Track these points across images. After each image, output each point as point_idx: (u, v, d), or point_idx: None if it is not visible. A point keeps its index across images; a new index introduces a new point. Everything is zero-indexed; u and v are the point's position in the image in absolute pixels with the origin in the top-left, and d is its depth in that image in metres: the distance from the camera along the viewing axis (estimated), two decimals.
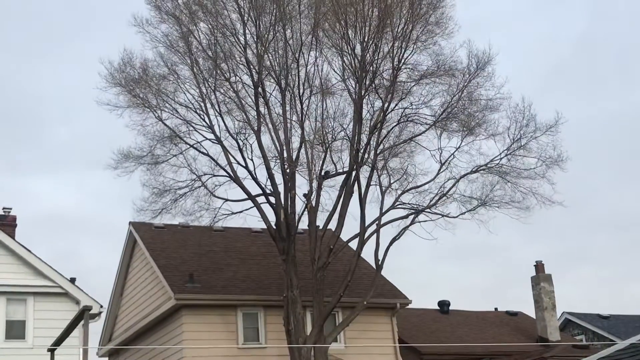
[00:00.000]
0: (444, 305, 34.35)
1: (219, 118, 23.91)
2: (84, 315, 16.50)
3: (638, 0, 59.10)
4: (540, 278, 32.04)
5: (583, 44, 60.95)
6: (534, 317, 32.59)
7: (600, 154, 61.35)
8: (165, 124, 24.16)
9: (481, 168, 24.69)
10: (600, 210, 60.73)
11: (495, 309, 35.91)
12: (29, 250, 22.43)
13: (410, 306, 28.00)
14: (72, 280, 22.69)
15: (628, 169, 62.86)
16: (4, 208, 24.30)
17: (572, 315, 40.07)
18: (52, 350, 17.38)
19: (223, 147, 23.74)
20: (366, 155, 23.89)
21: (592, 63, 62.82)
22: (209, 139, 24.00)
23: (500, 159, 24.61)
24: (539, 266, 32.41)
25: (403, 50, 23.92)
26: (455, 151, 24.70)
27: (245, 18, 23.74)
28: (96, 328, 29.46)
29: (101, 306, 23.02)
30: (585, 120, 59.09)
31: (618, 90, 60.95)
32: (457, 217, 24.56)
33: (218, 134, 23.77)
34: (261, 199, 23.63)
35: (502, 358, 28.00)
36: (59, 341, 17.37)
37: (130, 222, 28.43)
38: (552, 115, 24.81)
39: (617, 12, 61.67)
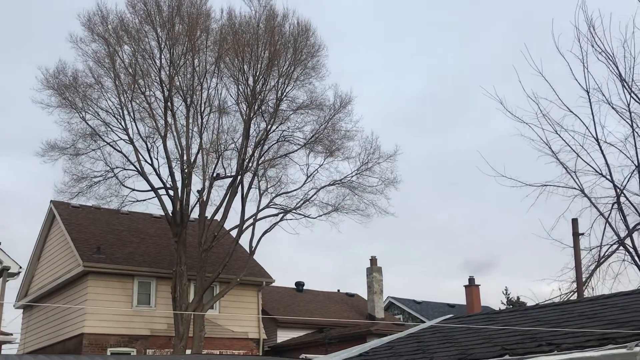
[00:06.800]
0: (299, 285, 34.52)
1: (133, 123, 23.50)
2: (2, 273, 15.56)
3: (462, 70, 61.72)
4: (373, 269, 32.62)
5: (421, 97, 63.06)
6: (366, 299, 33.25)
7: (426, 180, 63.57)
8: (87, 124, 23.62)
9: (337, 182, 25.00)
10: (422, 223, 62.84)
11: (338, 290, 36.37)
12: None
13: (273, 284, 27.99)
14: None
15: (444, 193, 65.46)
16: None
17: (394, 299, 41.08)
18: None
19: (134, 147, 23.25)
20: (250, 164, 23.78)
21: (426, 112, 65.07)
22: (123, 139, 23.57)
23: (352, 176, 25.02)
24: (373, 260, 33.01)
25: (285, 85, 24.01)
26: (318, 167, 24.95)
27: (162, 46, 23.30)
28: (15, 285, 28.03)
29: (20, 267, 21.63)
30: (418, 155, 61.06)
31: (444, 133, 63.36)
32: (315, 218, 24.85)
33: (131, 135, 23.33)
34: (162, 192, 23.32)
35: (339, 329, 28.38)
36: None
37: (51, 201, 27.19)
38: (392, 147, 25.47)
39: (446, 77, 64.20)
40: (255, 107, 23.73)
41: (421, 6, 63.61)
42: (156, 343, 23.71)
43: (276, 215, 24.40)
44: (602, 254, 16.87)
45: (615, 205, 16.51)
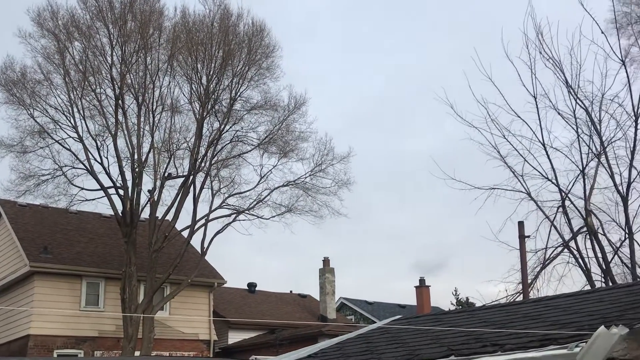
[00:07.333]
0: (251, 286, 34.30)
1: (83, 121, 23.10)
2: None
3: (419, 73, 62.43)
4: (326, 270, 32.60)
5: (379, 100, 63.44)
6: (319, 300, 33.26)
7: (380, 181, 63.78)
8: (36, 121, 23.17)
9: (290, 183, 25.02)
10: (375, 224, 63.08)
11: (291, 291, 36.23)
12: None
13: (225, 285, 27.78)
14: None
15: (398, 195, 65.92)
16: None
17: (346, 300, 41.12)
18: None
19: (84, 145, 22.89)
20: (203, 164, 23.59)
21: (383, 114, 65.51)
22: (72, 137, 23.13)
23: (305, 177, 25.09)
24: (325, 261, 32.98)
25: (239, 85, 23.91)
26: (272, 168, 24.92)
27: (114, 43, 22.95)
28: None
29: None
30: (373, 156, 61.38)
31: (400, 136, 63.83)
32: (269, 218, 24.83)
33: (81, 133, 22.94)
34: (112, 191, 22.99)
35: (291, 330, 28.35)
36: None
37: None
38: (346, 149, 25.59)
39: (403, 80, 64.85)
40: (209, 107, 23.56)
41: (381, 8, 64.16)
42: (104, 344, 23.26)
43: (229, 215, 24.28)
44: (547, 256, 17.31)
45: (561, 209, 16.97)
